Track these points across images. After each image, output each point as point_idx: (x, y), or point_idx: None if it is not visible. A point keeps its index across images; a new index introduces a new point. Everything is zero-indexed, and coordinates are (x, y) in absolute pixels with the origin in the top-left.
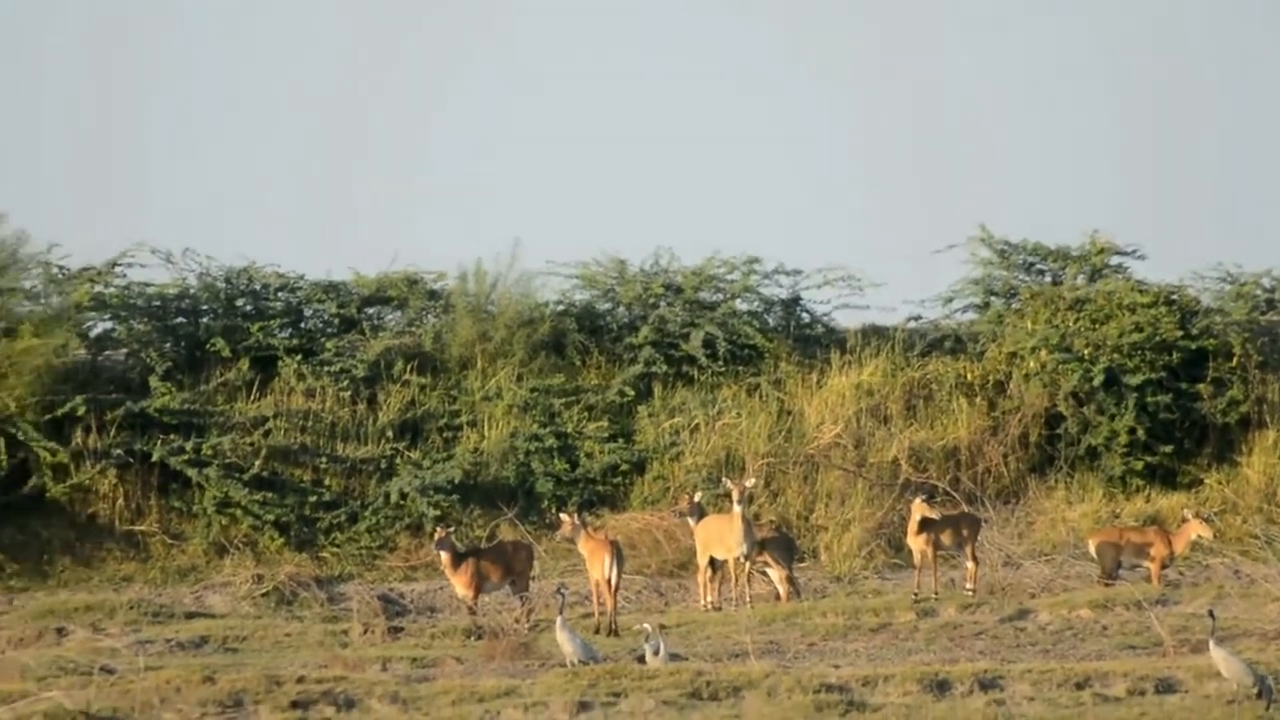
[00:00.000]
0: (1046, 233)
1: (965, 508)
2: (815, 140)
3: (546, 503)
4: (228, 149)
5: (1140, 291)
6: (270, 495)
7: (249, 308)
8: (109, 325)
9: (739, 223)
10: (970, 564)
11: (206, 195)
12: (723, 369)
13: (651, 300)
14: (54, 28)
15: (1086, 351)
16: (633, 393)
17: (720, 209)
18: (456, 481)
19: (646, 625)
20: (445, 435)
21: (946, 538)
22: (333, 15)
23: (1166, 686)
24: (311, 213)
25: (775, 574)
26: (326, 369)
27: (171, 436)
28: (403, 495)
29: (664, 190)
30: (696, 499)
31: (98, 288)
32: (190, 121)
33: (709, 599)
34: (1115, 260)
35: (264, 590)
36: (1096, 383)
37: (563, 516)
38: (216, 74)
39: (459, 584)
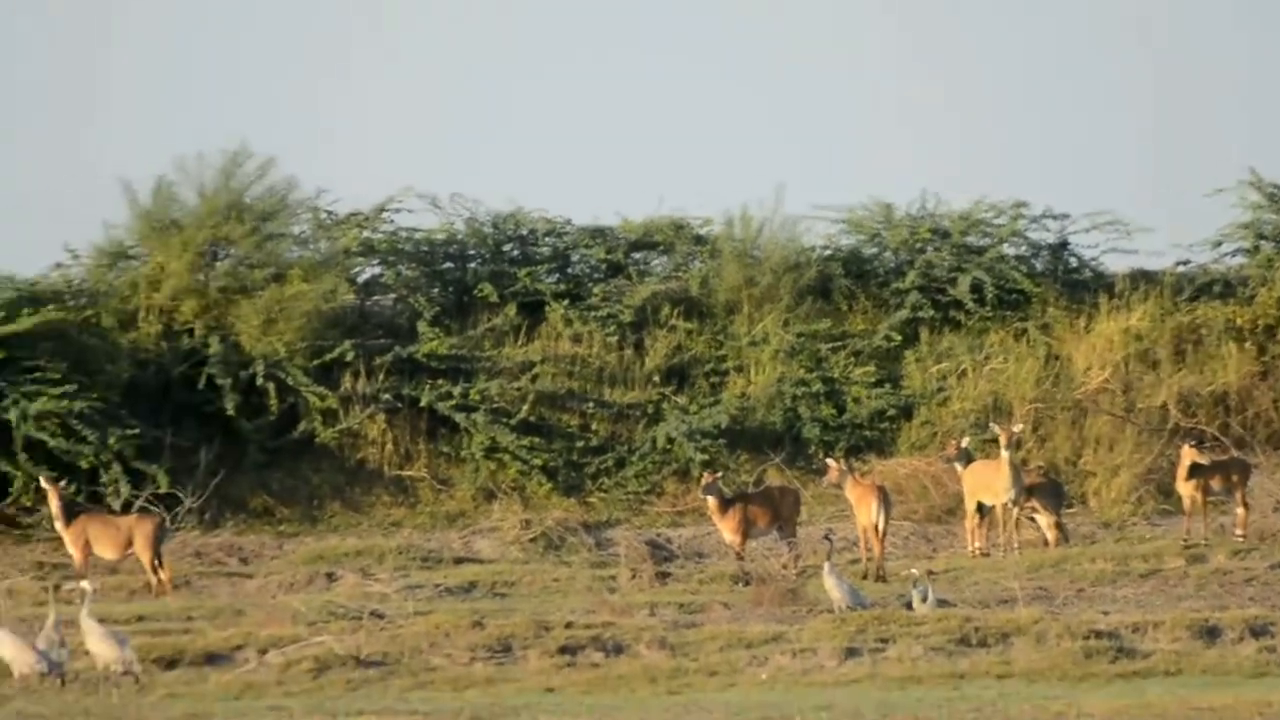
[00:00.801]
0: None
1: (1235, 453)
2: (1093, 80)
3: (813, 448)
4: (489, 93)
5: None
6: (538, 440)
7: (516, 253)
8: (377, 270)
9: (1006, 167)
10: (1240, 510)
11: (470, 141)
12: (990, 314)
13: (918, 245)
14: None
15: None
16: (899, 338)
17: (987, 152)
18: (723, 426)
19: (914, 571)
20: (712, 380)
21: (1216, 483)
22: None
23: None
24: (575, 157)
25: (1043, 520)
26: (593, 314)
27: (439, 381)
28: (670, 440)
29: (930, 134)
30: (964, 444)
31: (365, 233)
32: (450, 66)
33: (977, 545)
34: None
35: (532, 535)
36: None
37: (829, 462)
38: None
39: (726, 529)
